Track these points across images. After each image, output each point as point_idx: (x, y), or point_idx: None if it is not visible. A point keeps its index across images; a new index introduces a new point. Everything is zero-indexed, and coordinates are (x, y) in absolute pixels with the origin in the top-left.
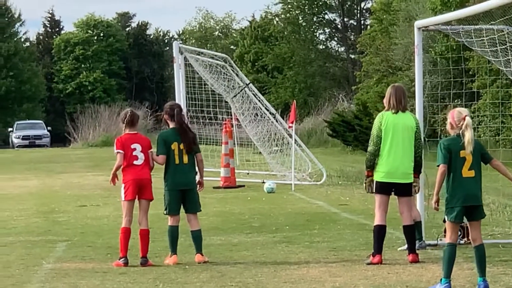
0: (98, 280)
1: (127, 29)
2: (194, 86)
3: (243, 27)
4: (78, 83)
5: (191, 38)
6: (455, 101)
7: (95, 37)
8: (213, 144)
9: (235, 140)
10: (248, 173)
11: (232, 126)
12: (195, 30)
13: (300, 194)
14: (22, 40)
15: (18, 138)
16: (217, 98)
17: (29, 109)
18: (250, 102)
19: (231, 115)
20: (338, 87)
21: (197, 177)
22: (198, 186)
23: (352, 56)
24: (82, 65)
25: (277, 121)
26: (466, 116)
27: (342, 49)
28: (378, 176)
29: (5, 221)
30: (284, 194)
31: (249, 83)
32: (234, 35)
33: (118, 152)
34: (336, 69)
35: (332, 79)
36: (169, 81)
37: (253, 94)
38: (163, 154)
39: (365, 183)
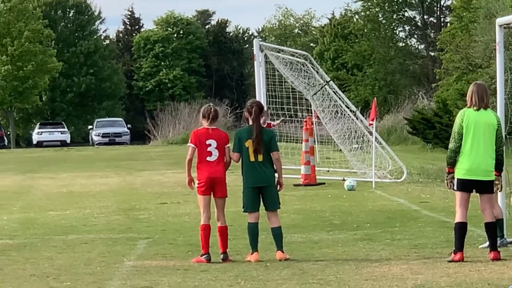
0: (179, 277)
1: (207, 26)
2: (274, 83)
3: (322, 25)
4: (158, 80)
5: (270, 35)
6: None
7: (175, 35)
8: (293, 142)
9: (315, 137)
10: (328, 171)
11: (313, 123)
12: (274, 28)
13: (380, 192)
14: (102, 37)
15: (98, 135)
16: (297, 96)
17: (109, 107)
18: (330, 100)
19: (311, 113)
20: (418, 85)
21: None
22: (277, 186)
23: (432, 54)
24: (162, 63)
25: (357, 119)
26: None
27: (422, 46)
28: (459, 173)
29: (86, 218)
30: (365, 191)
31: (329, 81)
32: (314, 32)
33: (189, 146)
34: (416, 66)
35: (412, 76)
36: (248, 78)
37: (333, 91)
38: (237, 151)
39: (446, 179)
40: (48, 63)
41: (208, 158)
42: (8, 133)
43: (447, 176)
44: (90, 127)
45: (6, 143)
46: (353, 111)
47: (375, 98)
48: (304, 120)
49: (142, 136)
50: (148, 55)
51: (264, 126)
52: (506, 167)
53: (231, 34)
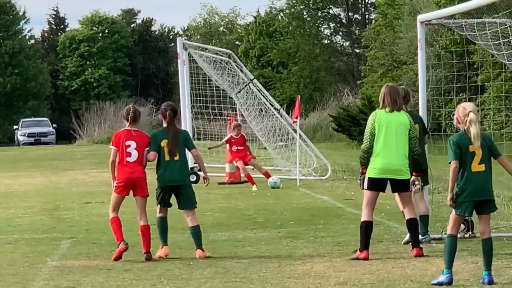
0: (102, 277)
1: (132, 25)
2: (199, 82)
3: (248, 23)
4: (83, 80)
5: (196, 34)
6: (460, 94)
7: (100, 34)
8: (218, 140)
9: None
10: (253, 169)
11: (237, 121)
12: (200, 26)
13: (305, 189)
14: (27, 37)
15: (24, 135)
16: (221, 94)
17: (34, 107)
18: (254, 98)
19: (236, 111)
20: (343, 82)
21: (201, 173)
22: (204, 181)
23: (357, 51)
24: (87, 62)
25: (281, 116)
26: (470, 112)
27: (347, 43)
28: (371, 173)
29: (10, 218)
30: (289, 189)
31: (253, 79)
32: (239, 30)
33: (111, 148)
34: (341, 63)
35: (337, 73)
36: (174, 77)
37: (257, 89)
38: (153, 151)
39: (360, 180)
40: None
41: (127, 159)
42: None
43: (360, 176)
44: (15, 127)
45: None
46: (277, 109)
47: (299, 96)
48: (229, 118)
49: (68, 135)
50: (74, 54)
51: (238, 137)
52: (429, 164)
53: (156, 33)
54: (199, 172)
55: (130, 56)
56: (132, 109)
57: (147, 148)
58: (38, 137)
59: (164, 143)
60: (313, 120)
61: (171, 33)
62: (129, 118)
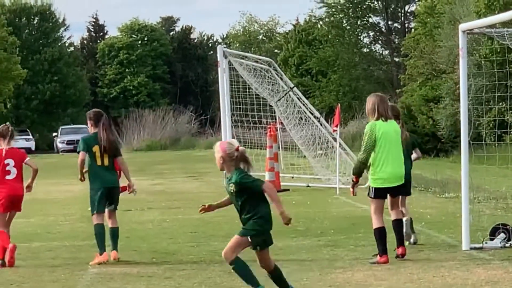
0: (143, 284)
1: (171, 33)
2: (239, 90)
3: (287, 31)
4: (123, 87)
5: (235, 42)
6: (500, 104)
7: (139, 42)
8: (257, 148)
9: (280, 144)
10: (293, 177)
11: (277, 130)
12: (239, 34)
13: (344, 198)
14: (67, 44)
15: (63, 143)
16: (261, 102)
17: (73, 114)
18: (294, 106)
19: (275, 119)
20: (382, 91)
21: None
22: (128, 188)
23: (396, 59)
24: (126, 70)
25: (321, 125)
26: None
27: (386, 52)
28: (377, 183)
29: (50, 225)
30: (329, 198)
31: (293, 87)
32: (278, 38)
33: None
34: (380, 72)
35: (376, 82)
36: (213, 85)
37: (297, 98)
38: (83, 150)
39: (352, 188)
40: (13, 70)
41: (7, 177)
42: None
43: (353, 185)
44: (55, 134)
45: None
46: (317, 117)
47: (339, 104)
48: (268, 126)
49: None
50: (113, 62)
51: None
52: (470, 173)
53: (195, 41)
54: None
55: (169, 64)
56: (9, 127)
57: (27, 159)
58: (77, 144)
59: (96, 148)
60: (352, 129)
61: (210, 41)
62: (7, 136)
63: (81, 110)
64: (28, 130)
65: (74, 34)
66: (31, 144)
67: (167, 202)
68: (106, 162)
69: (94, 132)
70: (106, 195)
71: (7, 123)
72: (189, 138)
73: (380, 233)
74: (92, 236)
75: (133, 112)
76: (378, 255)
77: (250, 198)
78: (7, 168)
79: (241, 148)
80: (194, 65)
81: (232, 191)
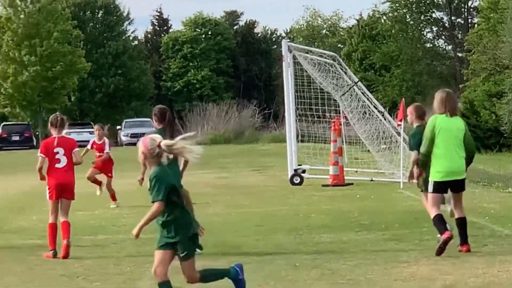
0: None
1: (235, 27)
2: (303, 84)
3: (350, 26)
4: (186, 81)
5: (298, 36)
6: None
7: (203, 36)
8: (321, 142)
9: (344, 138)
10: (356, 171)
11: (341, 124)
12: (302, 29)
13: (408, 192)
14: (131, 38)
15: (127, 136)
16: (325, 96)
17: (137, 107)
18: (358, 100)
19: (339, 113)
20: (445, 86)
21: (304, 175)
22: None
23: (460, 55)
24: (190, 63)
25: (385, 119)
26: None
27: (450, 47)
28: (436, 177)
29: (115, 218)
30: (393, 192)
31: (357, 82)
32: (342, 33)
33: (39, 156)
34: (444, 67)
35: (439, 77)
36: (276, 79)
37: (361, 92)
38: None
39: (418, 181)
40: (77, 64)
41: (56, 165)
42: (37, 133)
43: (419, 177)
44: (118, 127)
45: (34, 144)
46: (381, 112)
47: (403, 99)
48: (333, 120)
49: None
50: (177, 55)
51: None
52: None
53: (259, 35)
54: (303, 174)
55: (233, 58)
56: (59, 117)
57: (76, 150)
58: (141, 137)
59: None
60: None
61: (274, 35)
62: (57, 125)
63: (145, 103)
64: (91, 123)
65: (138, 28)
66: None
67: (231, 196)
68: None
69: (158, 128)
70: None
71: (57, 112)
72: (252, 132)
73: (439, 218)
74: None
75: (196, 106)
76: (439, 235)
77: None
78: (57, 156)
79: (163, 143)
80: (257, 59)
81: (148, 188)
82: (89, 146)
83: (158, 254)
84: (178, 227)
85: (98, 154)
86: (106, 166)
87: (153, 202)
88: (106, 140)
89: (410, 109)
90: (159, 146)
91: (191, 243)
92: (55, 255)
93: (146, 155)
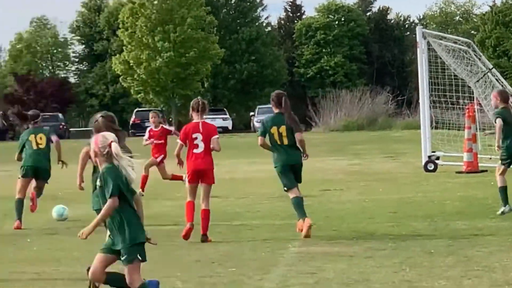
0: (344, 264)
1: (368, 14)
2: (437, 70)
3: (483, 12)
4: (319, 67)
5: (431, 23)
6: None
7: (336, 22)
8: (455, 129)
9: (478, 125)
10: (490, 158)
11: (475, 111)
12: (435, 15)
13: None
14: (264, 24)
15: (260, 122)
16: (459, 83)
17: (270, 94)
18: (492, 87)
19: (473, 100)
20: None
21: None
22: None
23: None
24: (323, 50)
25: None
26: None
27: None
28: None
29: (249, 204)
30: None
31: (491, 68)
32: (475, 20)
33: (177, 142)
34: None
35: None
36: (410, 66)
37: (495, 79)
38: (262, 135)
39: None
40: (210, 50)
41: (194, 150)
42: (170, 119)
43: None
44: (251, 113)
45: None
46: None
47: None
48: (466, 107)
49: (304, 122)
50: (310, 42)
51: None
52: None
53: (392, 21)
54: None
55: (366, 44)
56: (200, 101)
57: (216, 137)
58: None
59: (274, 130)
60: None
61: (407, 22)
62: (199, 109)
63: (278, 89)
64: (225, 109)
65: (272, 14)
66: (228, 123)
67: (365, 182)
68: (285, 141)
69: (276, 113)
70: (290, 171)
71: (199, 97)
72: (386, 118)
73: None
74: (291, 215)
75: (329, 92)
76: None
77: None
78: (195, 142)
79: (114, 144)
80: (390, 46)
81: (98, 186)
82: (146, 136)
83: (100, 256)
84: (125, 230)
85: (156, 142)
86: (160, 150)
87: (107, 198)
88: (165, 126)
89: (494, 94)
90: (109, 145)
91: (135, 249)
92: (191, 228)
93: (96, 153)
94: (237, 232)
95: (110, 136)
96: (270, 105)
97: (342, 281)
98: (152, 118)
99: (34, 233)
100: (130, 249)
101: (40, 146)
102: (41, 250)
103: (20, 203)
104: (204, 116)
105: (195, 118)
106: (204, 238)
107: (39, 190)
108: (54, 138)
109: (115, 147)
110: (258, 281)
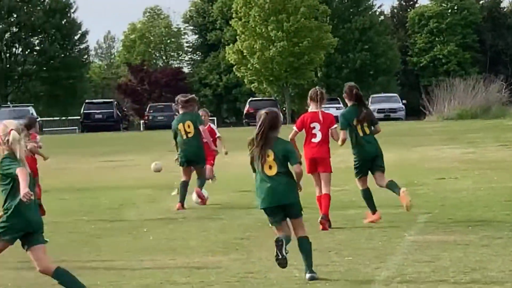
0: (460, 252)
1: (481, 2)
2: None
3: None
4: (432, 56)
5: None
6: None
7: (449, 10)
8: None
9: None
10: None
11: None
12: None
13: None
14: (377, 13)
15: (373, 111)
16: None
17: (383, 82)
18: None
19: None
20: None
21: None
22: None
23: None
24: (436, 39)
25: None
26: None
27: None
28: None
29: None
30: None
31: None
32: None
33: (293, 129)
34: None
35: None
36: None
37: None
38: (344, 129)
39: None
40: (324, 39)
41: (312, 140)
42: (284, 109)
43: None
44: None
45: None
46: None
47: None
48: None
49: (417, 111)
50: (423, 30)
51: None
52: None
53: (505, 10)
54: None
55: (479, 33)
56: (318, 91)
57: (334, 127)
58: (388, 113)
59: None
60: None
61: None
62: (317, 99)
63: (391, 78)
64: (338, 99)
65: (385, 3)
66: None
67: (480, 171)
68: (367, 131)
69: (350, 105)
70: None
71: (317, 87)
72: (499, 107)
73: None
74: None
75: (443, 81)
76: None
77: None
78: (313, 131)
79: (13, 132)
80: (504, 34)
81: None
82: None
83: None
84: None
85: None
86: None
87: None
88: (212, 125)
89: None
90: (9, 133)
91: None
92: (324, 220)
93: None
94: (353, 221)
95: (11, 124)
96: (383, 94)
97: (458, 270)
98: (203, 116)
99: (151, 223)
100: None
101: (189, 135)
102: (157, 239)
103: (183, 185)
104: (322, 106)
105: (313, 107)
106: (325, 218)
107: (198, 177)
108: (201, 127)
109: (12, 134)
110: (375, 269)
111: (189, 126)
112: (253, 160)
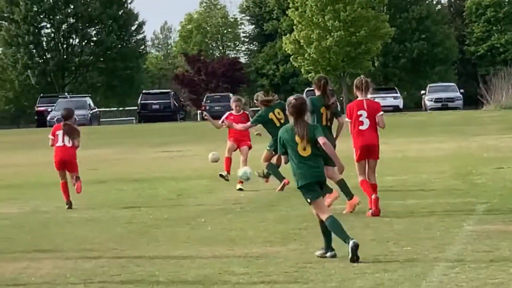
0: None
1: None
2: None
3: None
4: (490, 45)
5: None
6: None
7: (507, 0)
8: None
9: None
10: None
11: None
12: None
13: None
14: (434, 3)
15: (431, 100)
16: None
17: (441, 72)
18: None
19: None
20: None
21: None
22: None
23: None
24: (494, 27)
25: None
26: None
27: None
28: None
29: (423, 183)
30: None
31: None
32: None
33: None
34: None
35: None
36: None
37: None
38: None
39: None
40: (381, 29)
41: (360, 127)
42: (341, 98)
43: None
44: (422, 92)
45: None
46: None
47: None
48: None
49: (475, 101)
50: (480, 19)
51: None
52: None
53: None
54: None
55: None
56: (363, 80)
57: (380, 114)
58: (445, 102)
59: (323, 110)
60: None
61: None
62: (363, 88)
63: (448, 68)
64: (395, 88)
65: None
66: (399, 102)
67: None
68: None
69: (317, 95)
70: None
71: (362, 76)
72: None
73: None
74: (465, 194)
75: (501, 70)
76: None
77: None
78: (360, 119)
79: None
80: None
81: None
82: (224, 117)
83: None
84: None
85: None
86: (244, 135)
87: None
88: (247, 112)
89: None
90: None
91: None
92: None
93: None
94: (411, 211)
95: None
96: (441, 84)
97: None
98: (236, 107)
99: (209, 213)
100: None
101: (281, 121)
102: (215, 230)
103: (272, 166)
104: (369, 95)
105: (359, 96)
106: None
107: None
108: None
109: None
110: (434, 259)
111: (279, 113)
112: (285, 144)
